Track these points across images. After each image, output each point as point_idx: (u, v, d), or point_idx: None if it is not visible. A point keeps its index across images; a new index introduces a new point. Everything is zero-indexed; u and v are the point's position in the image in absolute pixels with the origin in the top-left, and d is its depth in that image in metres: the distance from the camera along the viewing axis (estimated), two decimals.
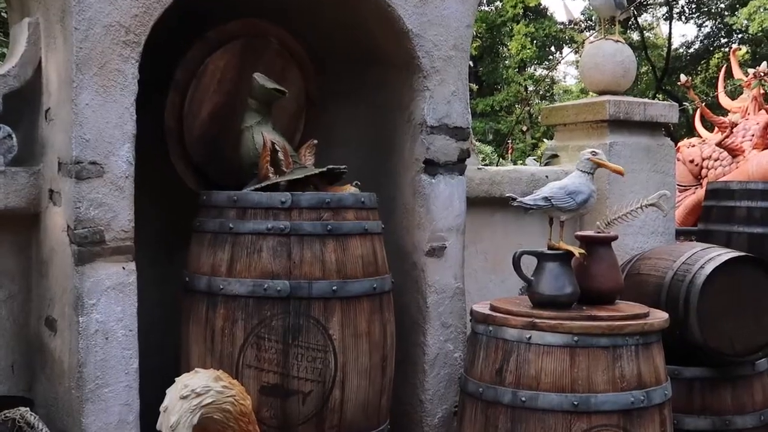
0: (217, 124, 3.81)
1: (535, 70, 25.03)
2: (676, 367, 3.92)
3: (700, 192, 7.46)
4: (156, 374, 3.25)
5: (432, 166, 3.88)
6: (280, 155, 3.56)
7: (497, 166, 10.19)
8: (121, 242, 3.18)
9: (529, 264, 3.53)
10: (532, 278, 3.50)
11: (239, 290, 3.28)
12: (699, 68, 22.37)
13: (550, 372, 3.23)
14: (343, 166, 3.63)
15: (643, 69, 21.75)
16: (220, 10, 3.75)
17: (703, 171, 8.60)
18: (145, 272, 3.37)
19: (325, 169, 3.58)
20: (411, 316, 3.92)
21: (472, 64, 21.14)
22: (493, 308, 3.50)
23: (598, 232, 3.70)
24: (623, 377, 3.24)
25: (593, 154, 3.59)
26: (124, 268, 3.20)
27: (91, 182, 3.12)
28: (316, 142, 3.77)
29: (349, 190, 3.56)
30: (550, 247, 3.54)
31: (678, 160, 8.53)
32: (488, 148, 19.18)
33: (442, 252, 3.90)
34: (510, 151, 17.77)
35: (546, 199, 3.54)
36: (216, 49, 3.75)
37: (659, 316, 3.48)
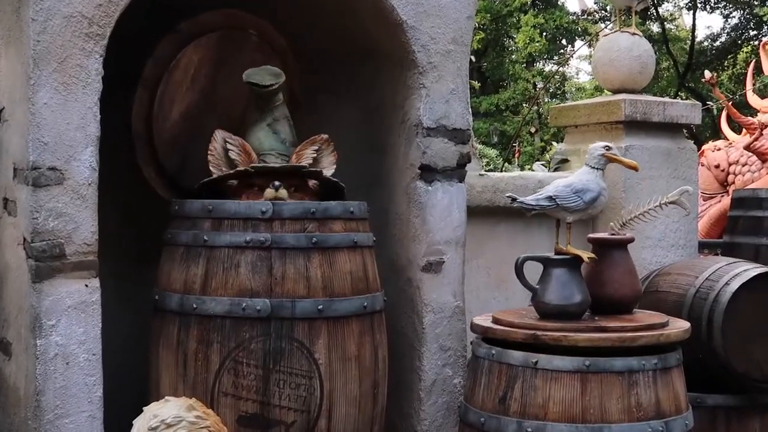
0: (191, 125, 3.80)
1: (544, 65, 25.09)
2: (699, 394, 3.94)
3: (726, 200, 7.48)
4: (122, 403, 3.24)
5: (429, 172, 3.89)
6: (233, 154, 3.57)
7: (502, 170, 10.22)
8: (83, 256, 3.18)
9: (534, 272, 3.54)
10: (538, 287, 3.51)
11: (215, 309, 3.28)
12: (726, 63, 22.44)
13: (559, 400, 3.23)
14: (304, 165, 3.58)
15: (664, 64, 21.82)
16: (195, 0, 3.76)
17: (730, 177, 8.62)
18: (110, 290, 3.36)
19: (249, 167, 3.51)
20: (405, 338, 3.92)
21: (474, 59, 21.18)
22: (495, 320, 3.53)
23: (613, 234, 3.71)
24: (640, 406, 3.25)
25: (606, 149, 3.60)
26: (87, 285, 3.19)
27: (50, 190, 3.11)
28: (326, 137, 3.73)
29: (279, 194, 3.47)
30: (557, 252, 3.55)
31: (702, 165, 8.57)
32: (493, 152, 19.24)
33: (439, 267, 3.90)
34: (517, 155, 17.82)
35: (550, 198, 3.55)
36: (189, 42, 3.75)
37: (679, 326, 3.49)
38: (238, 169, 3.52)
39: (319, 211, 3.39)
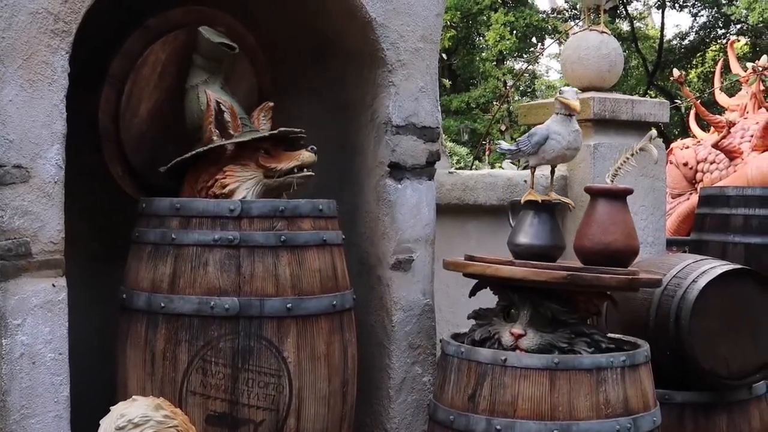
0: (159, 122, 3.79)
1: (514, 63, 25.16)
2: (667, 391, 3.96)
3: (694, 198, 7.54)
4: (89, 403, 3.22)
5: (398, 170, 3.89)
6: (227, 116, 3.55)
7: (473, 168, 10.25)
8: (49, 255, 3.15)
9: None
10: (512, 228, 3.69)
11: (183, 308, 3.27)
12: (694, 62, 22.59)
13: (528, 397, 3.24)
14: (299, 130, 3.62)
15: (633, 62, 21.95)
16: None
17: (698, 175, 8.67)
18: (78, 289, 3.34)
19: (276, 131, 3.56)
20: (375, 337, 3.92)
21: (444, 57, 21.22)
22: (468, 257, 3.68)
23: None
24: (608, 403, 3.27)
25: (559, 93, 3.75)
26: (54, 285, 3.16)
27: (16, 188, 3.09)
28: (272, 104, 3.75)
29: (303, 155, 3.53)
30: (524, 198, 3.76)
31: (670, 163, 8.62)
32: (463, 150, 19.27)
33: (409, 265, 3.91)
34: (487, 153, 17.85)
35: (517, 143, 3.82)
36: (157, 38, 3.74)
37: (642, 276, 3.54)
38: (270, 132, 3.59)
39: (288, 209, 3.38)
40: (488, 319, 3.56)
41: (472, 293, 3.73)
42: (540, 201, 3.71)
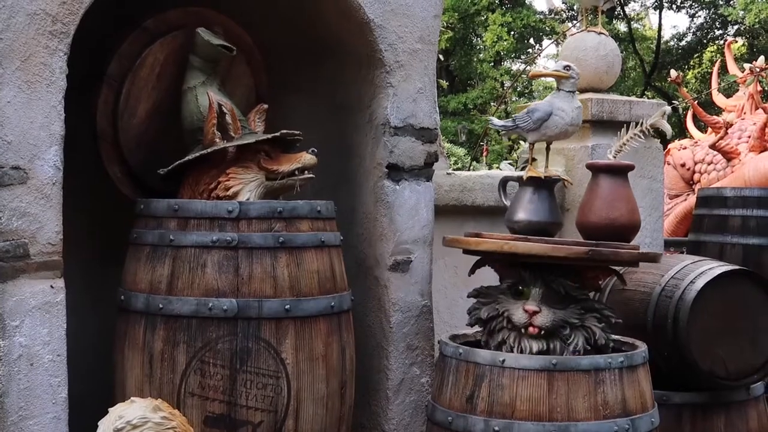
0: (157, 123, 3.79)
1: (512, 64, 25.18)
2: (665, 392, 3.96)
3: (692, 199, 7.55)
4: (87, 404, 3.23)
5: (396, 171, 3.89)
6: (228, 118, 3.54)
7: (470, 169, 10.25)
8: (47, 257, 3.15)
9: None
10: (509, 204, 3.68)
11: (181, 310, 3.27)
12: (691, 63, 22.64)
13: (526, 398, 3.24)
14: (298, 132, 3.63)
15: (631, 63, 21.99)
16: None
17: (696, 176, 8.67)
18: (77, 291, 3.35)
19: (278, 134, 3.56)
20: (373, 338, 3.92)
21: (442, 58, 21.22)
22: (474, 234, 3.71)
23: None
24: (606, 404, 3.27)
25: (564, 68, 3.73)
26: (52, 286, 3.16)
27: (14, 189, 3.09)
28: (266, 106, 3.75)
29: (305, 158, 3.54)
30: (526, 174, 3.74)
31: (668, 163, 8.62)
32: (461, 150, 19.26)
33: (407, 266, 3.91)
34: (485, 154, 17.85)
35: (513, 120, 3.80)
36: (155, 40, 3.73)
37: (650, 251, 3.60)
38: (272, 135, 3.57)
39: (286, 210, 3.39)
40: (492, 298, 3.52)
41: (472, 271, 3.70)
42: (543, 177, 3.71)
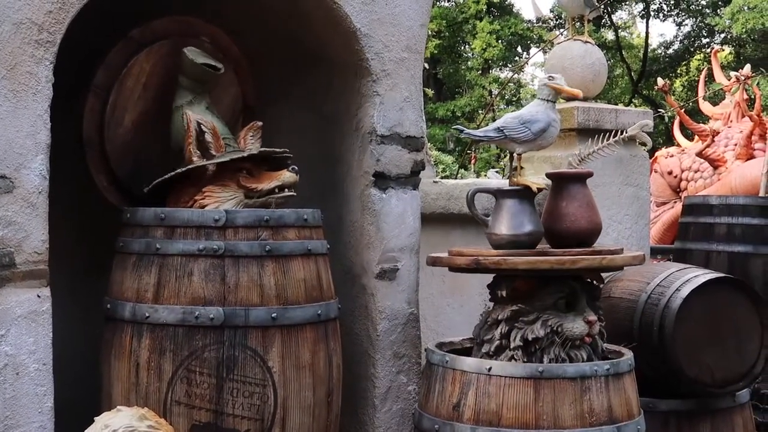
0: (143, 132, 3.79)
1: (500, 71, 25.24)
2: (651, 399, 3.97)
3: (679, 207, 7.59)
4: (73, 413, 3.22)
5: (382, 180, 3.90)
6: (208, 137, 3.53)
7: (458, 177, 10.26)
8: (33, 266, 3.15)
9: None
10: (489, 218, 3.56)
11: (167, 318, 3.27)
12: (678, 71, 22.73)
13: (513, 406, 3.25)
14: (280, 150, 3.62)
15: (618, 71, 22.05)
16: (149, 7, 3.75)
17: (683, 183, 8.73)
18: (64, 300, 3.33)
19: (255, 152, 3.55)
20: (360, 346, 3.92)
21: (428, 66, 21.26)
22: (449, 253, 3.62)
23: (571, 169, 3.75)
24: (592, 411, 3.28)
25: (550, 79, 3.65)
26: (38, 295, 3.15)
27: (0, 198, 3.09)
28: (260, 124, 3.74)
29: (284, 176, 3.52)
30: (511, 184, 3.62)
31: (655, 171, 8.67)
32: (449, 158, 19.29)
33: (394, 274, 3.92)
34: (473, 162, 17.88)
35: (498, 129, 3.62)
36: (141, 49, 3.73)
37: (630, 254, 3.54)
38: (249, 152, 3.55)
39: (273, 218, 3.39)
40: (533, 315, 3.40)
41: (502, 289, 3.51)
42: (539, 189, 3.62)
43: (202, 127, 3.54)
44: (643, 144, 4.00)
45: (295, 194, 3.56)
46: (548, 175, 3.74)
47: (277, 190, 3.53)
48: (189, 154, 3.52)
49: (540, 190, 3.60)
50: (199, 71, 3.67)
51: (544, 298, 3.43)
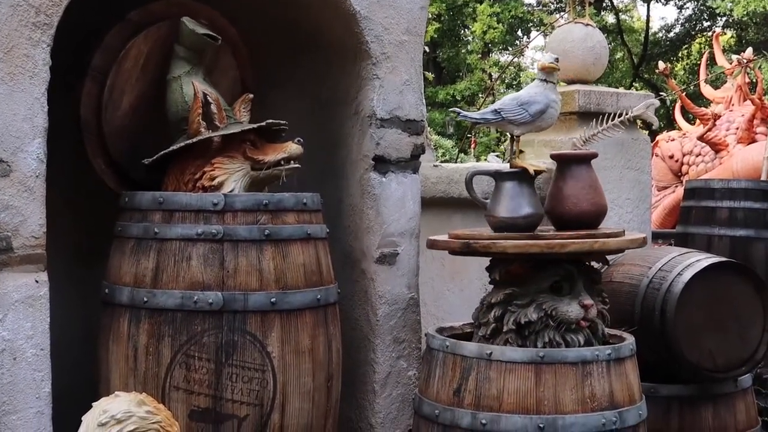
0: (142, 115, 3.77)
1: (500, 55, 25.19)
2: (652, 384, 3.97)
3: (680, 191, 7.58)
4: (72, 399, 3.21)
5: (382, 164, 3.89)
6: (213, 108, 3.53)
7: (458, 161, 10.24)
8: (31, 250, 3.14)
9: None
10: (487, 201, 3.55)
11: (166, 303, 3.26)
12: (680, 54, 22.68)
13: (513, 391, 3.24)
14: (284, 122, 3.62)
15: (619, 55, 22.00)
16: None
17: (684, 167, 8.71)
18: (62, 284, 3.33)
19: (264, 123, 3.55)
20: (359, 331, 3.92)
21: (427, 50, 21.23)
22: (448, 235, 3.63)
23: (574, 150, 3.73)
24: (593, 396, 3.27)
25: (550, 60, 3.62)
26: (36, 280, 3.14)
27: None
28: (251, 96, 3.74)
29: (291, 147, 3.53)
30: (511, 166, 3.59)
31: (656, 155, 8.65)
32: (449, 143, 19.26)
33: (394, 259, 3.91)
34: (473, 146, 17.86)
35: (495, 111, 3.59)
36: (139, 31, 3.72)
37: (627, 236, 3.53)
38: (258, 124, 3.55)
39: (272, 202, 3.38)
40: (527, 298, 3.39)
41: (498, 274, 3.50)
42: (536, 171, 3.59)
43: (208, 98, 3.53)
44: (650, 124, 3.96)
45: (300, 166, 3.55)
46: (552, 157, 3.72)
47: (283, 162, 3.52)
48: (197, 125, 3.50)
49: (538, 172, 3.59)
50: (197, 40, 3.64)
51: (539, 282, 3.41)
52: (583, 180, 3.58)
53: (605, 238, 3.42)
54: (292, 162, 3.54)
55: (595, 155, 3.66)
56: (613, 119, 3.88)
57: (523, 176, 3.54)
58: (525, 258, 3.40)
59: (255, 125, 3.55)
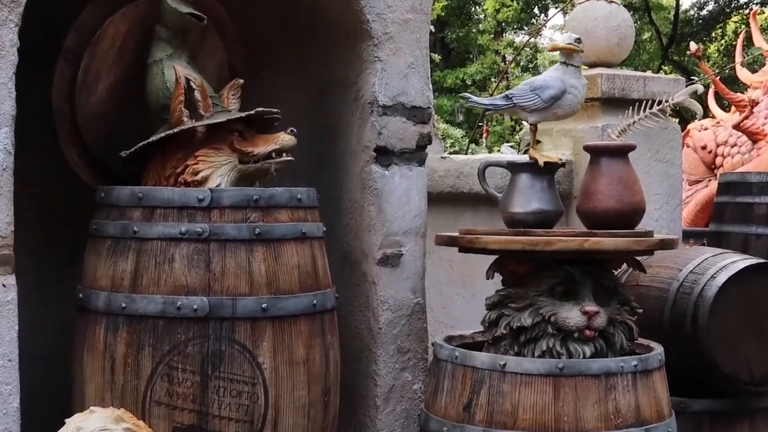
0: (119, 101, 3.78)
1: (515, 36, 25.18)
2: (682, 399, 3.98)
3: (714, 185, 7.57)
4: (42, 414, 3.22)
5: (385, 155, 3.89)
6: (197, 95, 3.52)
7: (468, 152, 10.25)
8: None
9: None
10: (500, 195, 3.59)
11: (146, 309, 3.26)
12: (713, 34, 22.65)
13: (530, 407, 3.25)
14: (275, 110, 3.62)
15: (647, 35, 22.00)
16: None
17: (718, 159, 8.71)
18: (31, 288, 3.34)
19: (253, 112, 3.55)
20: (360, 340, 3.92)
21: (434, 29, 21.22)
22: (459, 231, 3.70)
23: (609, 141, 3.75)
24: (618, 412, 3.27)
25: (573, 41, 3.64)
26: (3, 284, 3.15)
27: None
28: (241, 81, 3.74)
29: (282, 138, 3.52)
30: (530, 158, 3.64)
31: (687, 146, 8.66)
32: (458, 132, 19.28)
33: (397, 260, 3.91)
34: (485, 135, 17.87)
35: (507, 97, 3.65)
36: (116, 10, 3.72)
37: (632, 236, 3.52)
38: (247, 113, 3.55)
39: (263, 198, 3.38)
40: (526, 302, 3.41)
41: (492, 275, 3.57)
42: (547, 164, 3.63)
43: (191, 83, 3.52)
44: (693, 113, 3.95)
45: (293, 159, 3.55)
46: (585, 148, 3.75)
47: (274, 155, 3.52)
48: (178, 113, 3.49)
49: (550, 164, 3.60)
50: (181, 20, 3.63)
51: (539, 284, 3.42)
52: (611, 174, 3.58)
53: (596, 237, 3.43)
54: (284, 154, 3.53)
55: (632, 147, 3.67)
56: (651, 107, 3.86)
57: (539, 169, 3.56)
58: (509, 255, 3.44)
59: (243, 114, 3.55)
